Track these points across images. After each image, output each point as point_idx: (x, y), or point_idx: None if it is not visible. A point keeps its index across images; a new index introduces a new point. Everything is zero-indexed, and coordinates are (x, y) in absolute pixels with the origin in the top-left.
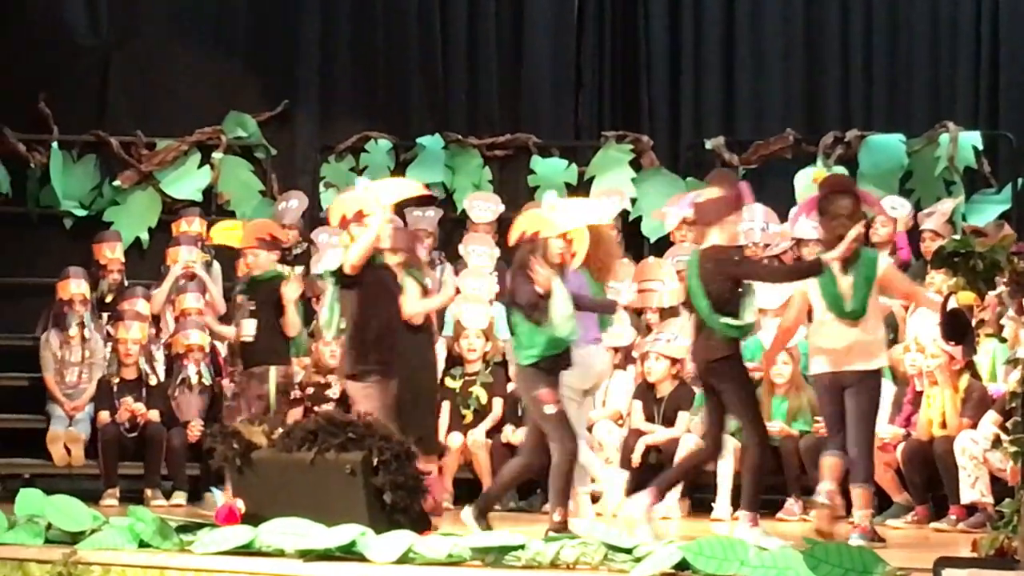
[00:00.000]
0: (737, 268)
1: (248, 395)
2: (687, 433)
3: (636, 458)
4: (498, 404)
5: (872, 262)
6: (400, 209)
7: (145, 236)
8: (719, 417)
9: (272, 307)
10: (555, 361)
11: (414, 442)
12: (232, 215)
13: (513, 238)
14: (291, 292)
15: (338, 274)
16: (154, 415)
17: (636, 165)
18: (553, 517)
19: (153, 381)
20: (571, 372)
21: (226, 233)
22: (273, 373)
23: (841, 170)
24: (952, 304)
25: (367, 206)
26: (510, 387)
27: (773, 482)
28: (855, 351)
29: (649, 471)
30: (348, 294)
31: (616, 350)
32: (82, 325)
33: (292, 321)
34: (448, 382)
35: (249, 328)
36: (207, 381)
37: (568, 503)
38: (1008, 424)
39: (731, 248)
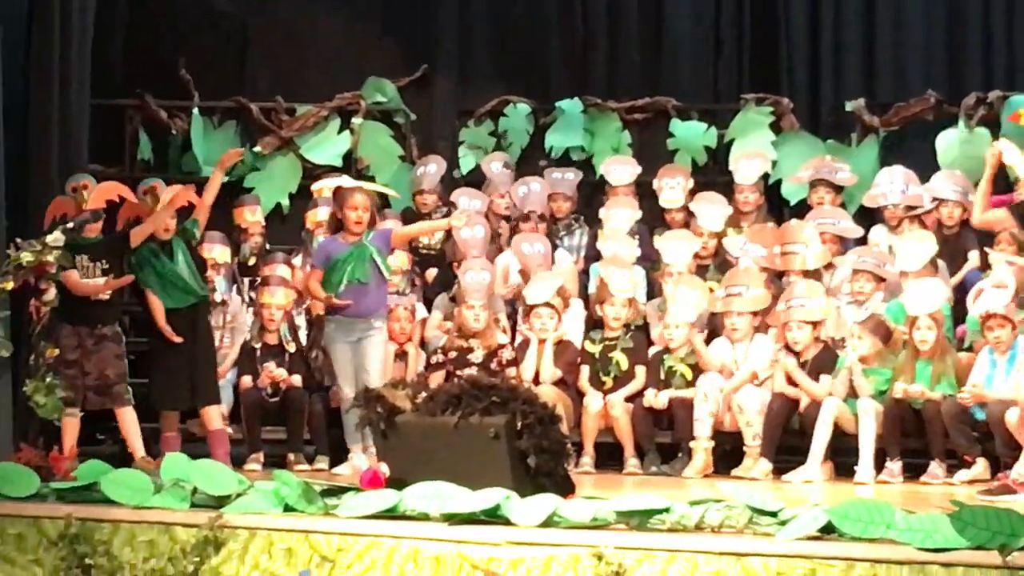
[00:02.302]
0: None
1: (103, 355)
2: (829, 396)
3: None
4: (641, 372)
5: None
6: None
7: (286, 202)
8: None
9: (120, 265)
10: None
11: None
12: (372, 180)
13: None
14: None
15: None
16: (296, 380)
17: (776, 128)
18: None
19: (294, 347)
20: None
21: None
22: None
23: (983, 132)
24: None
25: None
26: (652, 351)
27: (917, 445)
28: None
29: (792, 435)
30: None
31: (754, 313)
32: (213, 289)
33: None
34: (588, 346)
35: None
36: None
37: None
38: None
39: None
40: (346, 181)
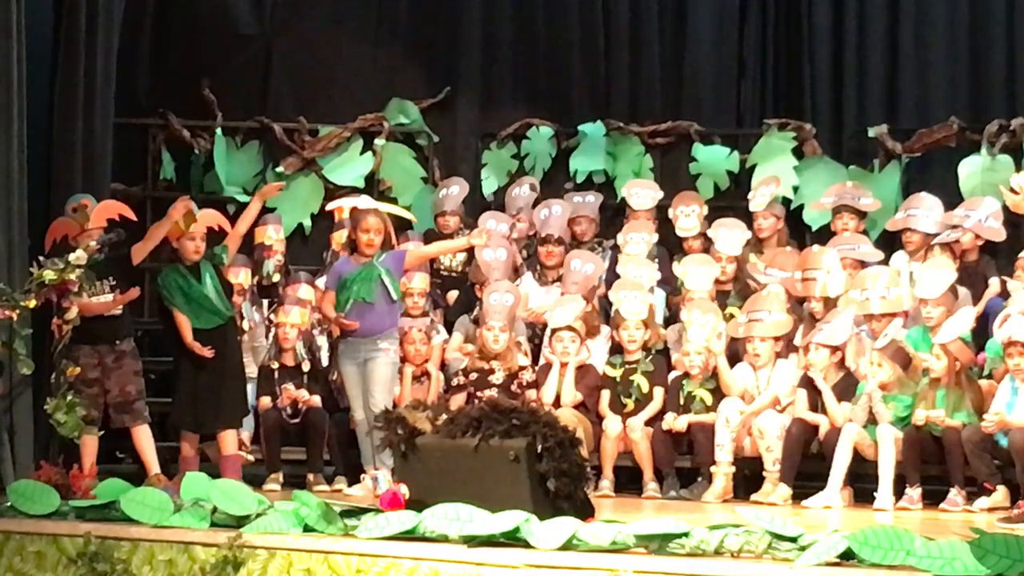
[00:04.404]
0: None
1: (123, 372)
2: (848, 422)
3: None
4: (659, 393)
5: None
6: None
7: (307, 222)
8: None
9: (126, 280)
10: None
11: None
12: (394, 201)
13: None
14: None
15: None
16: (316, 400)
17: (798, 153)
18: None
19: (309, 366)
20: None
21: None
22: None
23: (1006, 159)
24: None
25: None
26: (672, 375)
27: (936, 472)
28: None
29: (811, 461)
30: None
31: (777, 339)
32: (241, 316)
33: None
34: (608, 370)
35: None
36: None
37: None
38: None
39: None
40: (362, 201)
